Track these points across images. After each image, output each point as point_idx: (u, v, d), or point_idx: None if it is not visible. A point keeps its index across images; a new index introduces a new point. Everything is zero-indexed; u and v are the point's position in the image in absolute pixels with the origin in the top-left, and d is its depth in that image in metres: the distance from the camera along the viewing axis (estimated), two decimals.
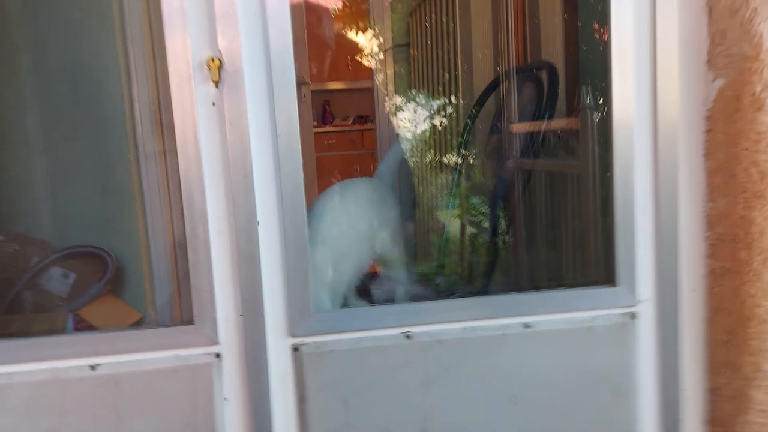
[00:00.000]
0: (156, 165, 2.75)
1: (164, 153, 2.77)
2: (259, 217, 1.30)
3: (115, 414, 1.29)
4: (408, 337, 1.34)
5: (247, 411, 1.33)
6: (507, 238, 1.88)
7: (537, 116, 1.86)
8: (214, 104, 1.27)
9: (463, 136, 2.23)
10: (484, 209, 2.05)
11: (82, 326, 2.51)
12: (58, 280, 2.72)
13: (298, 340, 1.33)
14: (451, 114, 2.88)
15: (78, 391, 1.28)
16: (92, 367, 1.28)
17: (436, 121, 2.97)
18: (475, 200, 2.14)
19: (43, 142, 2.58)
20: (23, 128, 2.55)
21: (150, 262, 2.88)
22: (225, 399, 1.32)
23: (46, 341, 1.28)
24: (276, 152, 1.29)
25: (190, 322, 1.31)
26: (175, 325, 1.31)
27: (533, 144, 1.89)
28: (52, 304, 2.59)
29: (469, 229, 2.27)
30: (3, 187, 2.59)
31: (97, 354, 1.28)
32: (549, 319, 1.37)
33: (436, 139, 2.94)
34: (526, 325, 1.36)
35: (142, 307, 2.80)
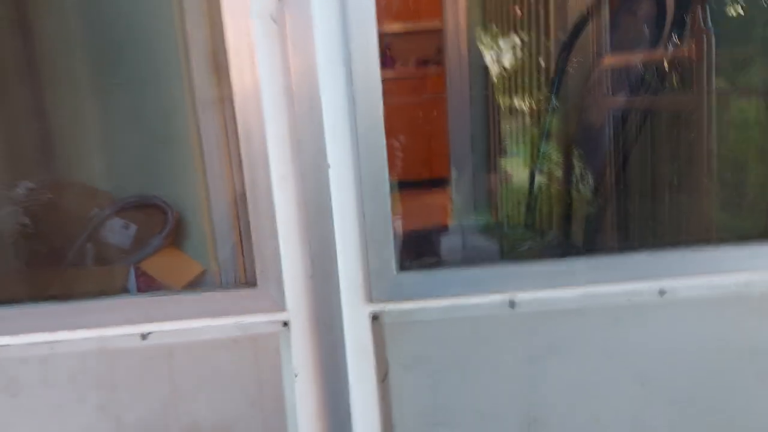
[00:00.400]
0: (214, 112, 2.60)
1: (222, 99, 2.60)
2: (330, 158, 1.07)
3: (170, 389, 1.12)
4: (512, 305, 1.10)
5: (320, 389, 1.13)
6: (620, 185, 1.59)
7: (658, 42, 1.53)
8: (274, 21, 1.03)
9: (558, 70, 1.91)
10: (585, 153, 1.76)
11: (144, 280, 2.40)
12: (119, 232, 2.61)
13: (378, 307, 1.11)
14: (538, 48, 2.54)
15: (128, 362, 1.11)
16: (143, 336, 1.10)
17: (521, 59, 2.64)
18: (576, 143, 1.84)
19: (98, 91, 2.46)
20: (76, 76, 2.42)
21: (210, 213, 2.75)
22: (295, 375, 1.13)
23: (90, 305, 1.11)
24: (349, 79, 1.04)
25: (253, 284, 1.11)
26: (235, 288, 1.11)
27: (651, 75, 1.57)
28: (115, 257, 2.49)
29: (557, 177, 1.99)
30: (59, 137, 2.49)
31: (148, 320, 1.11)
32: (690, 284, 1.09)
33: (522, 79, 2.62)
34: (661, 291, 1.09)
35: (205, 260, 2.68)
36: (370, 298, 1.11)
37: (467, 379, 1.12)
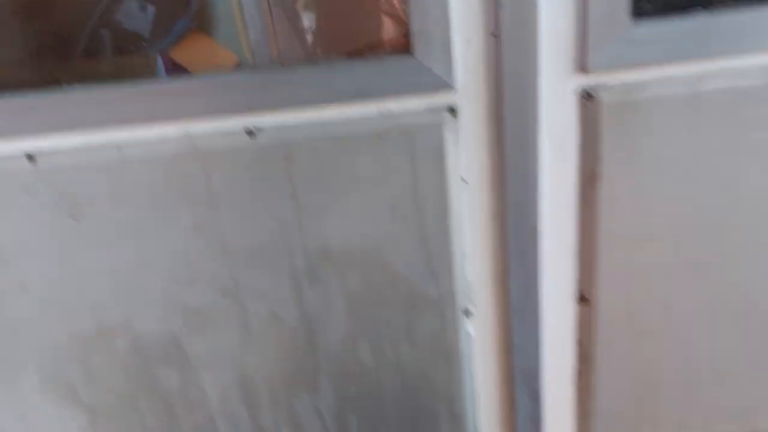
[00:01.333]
0: None
1: None
2: None
3: (291, 205, 0.81)
4: None
5: (499, 199, 0.82)
6: None
7: None
8: None
9: None
10: None
11: (175, 71, 2.00)
12: (135, 15, 2.13)
13: (593, 80, 0.74)
14: None
15: (230, 169, 0.78)
16: (250, 133, 0.76)
17: None
18: None
19: None
20: None
21: None
22: (463, 181, 0.80)
23: (169, 89, 0.75)
24: None
25: (405, 49, 0.73)
26: (378, 59, 0.74)
27: None
28: (135, 45, 2.06)
29: None
30: None
31: (252, 110, 0.75)
32: None
33: None
34: None
35: (235, 47, 2.26)
36: (584, 66, 0.74)
37: (720, 176, 0.79)
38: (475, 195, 0.81)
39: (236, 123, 0.76)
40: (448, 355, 0.91)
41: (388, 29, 1.17)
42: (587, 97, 0.75)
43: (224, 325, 0.88)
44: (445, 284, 0.86)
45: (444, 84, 0.74)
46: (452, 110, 0.76)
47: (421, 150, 0.78)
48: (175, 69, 2.09)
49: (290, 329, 0.89)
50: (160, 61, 2.08)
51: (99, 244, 0.82)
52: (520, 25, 0.71)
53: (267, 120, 0.76)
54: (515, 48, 0.73)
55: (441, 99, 0.75)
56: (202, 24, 2.23)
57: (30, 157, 0.76)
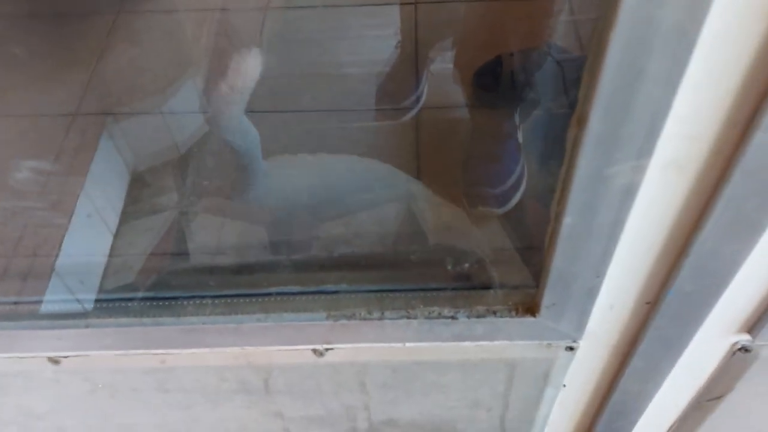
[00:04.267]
0: None
1: None
2: None
3: (358, 397, 0.70)
4: None
5: (595, 405, 0.71)
6: None
7: None
8: None
9: None
10: None
11: None
12: None
13: (759, 341, 0.59)
14: None
15: (291, 376, 0.66)
16: (317, 352, 0.62)
17: None
18: None
19: None
20: None
21: None
22: (563, 385, 0.69)
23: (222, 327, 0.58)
24: None
25: (529, 311, 0.56)
26: (495, 314, 0.56)
27: None
28: None
29: None
30: None
31: (327, 342, 0.60)
32: None
33: None
34: None
35: None
36: (748, 326, 0.58)
37: None
38: (572, 395, 0.70)
39: (304, 347, 0.61)
40: None
41: None
42: (744, 351, 0.60)
43: None
44: None
45: (568, 336, 0.59)
46: (570, 348, 0.61)
47: (522, 373, 0.65)
48: None
49: None
50: None
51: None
52: (687, 297, 0.53)
53: (335, 345, 0.61)
54: (670, 316, 0.55)
55: (560, 343, 0.60)
56: None
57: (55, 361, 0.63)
